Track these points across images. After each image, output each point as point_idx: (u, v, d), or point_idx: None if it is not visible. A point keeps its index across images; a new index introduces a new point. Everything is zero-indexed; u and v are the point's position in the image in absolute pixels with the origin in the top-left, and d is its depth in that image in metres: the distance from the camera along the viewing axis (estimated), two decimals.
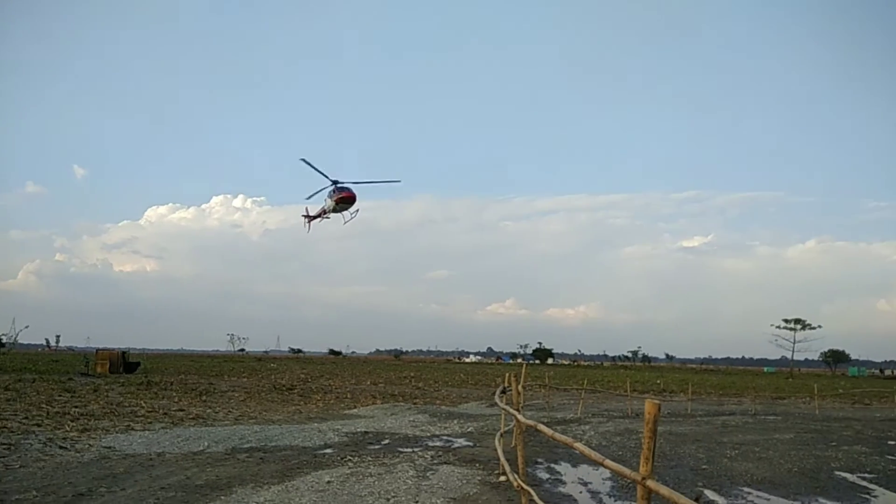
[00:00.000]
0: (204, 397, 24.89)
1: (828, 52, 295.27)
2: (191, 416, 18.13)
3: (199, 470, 9.90)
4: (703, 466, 11.78)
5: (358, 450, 12.44)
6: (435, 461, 11.28)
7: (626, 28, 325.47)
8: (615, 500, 8.82)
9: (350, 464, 10.77)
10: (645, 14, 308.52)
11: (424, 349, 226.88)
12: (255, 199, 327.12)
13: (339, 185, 33.66)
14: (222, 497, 8.08)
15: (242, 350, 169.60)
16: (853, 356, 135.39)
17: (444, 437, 15.01)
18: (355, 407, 23.72)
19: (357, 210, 34.29)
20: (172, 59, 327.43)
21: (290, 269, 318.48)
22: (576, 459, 11.79)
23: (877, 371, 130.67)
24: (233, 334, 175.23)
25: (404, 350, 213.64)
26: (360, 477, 9.57)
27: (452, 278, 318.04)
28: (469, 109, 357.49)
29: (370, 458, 11.36)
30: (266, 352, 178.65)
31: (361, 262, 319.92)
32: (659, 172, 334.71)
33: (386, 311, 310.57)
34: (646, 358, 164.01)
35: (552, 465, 11.34)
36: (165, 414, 18.34)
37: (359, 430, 15.87)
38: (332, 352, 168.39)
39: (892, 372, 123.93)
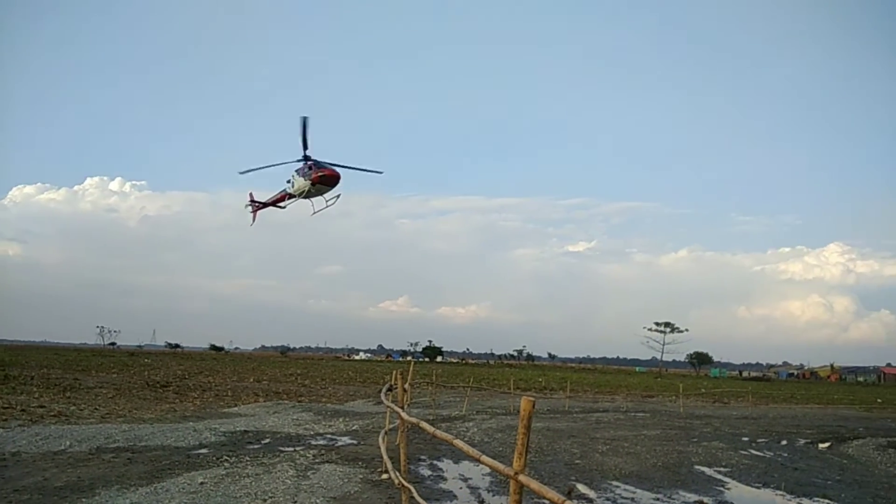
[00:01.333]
0: (68, 393, 23.10)
1: (701, 73, 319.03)
2: (52, 414, 16.77)
3: (58, 471, 9.14)
4: (577, 461, 12.33)
5: (236, 450, 11.96)
6: (317, 460, 11.06)
7: (525, 35, 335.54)
8: (493, 495, 9.01)
9: (226, 464, 10.33)
10: (546, 19, 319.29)
11: (313, 346, 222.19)
12: (134, 182, 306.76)
13: (317, 162, 27.85)
14: (83, 500, 7.51)
15: (113, 344, 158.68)
16: (715, 358, 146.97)
17: (328, 436, 14.76)
18: (236, 405, 22.85)
19: (338, 196, 28.66)
20: (46, 23, 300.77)
21: (171, 260, 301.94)
22: (458, 456, 11.96)
23: (736, 373, 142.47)
24: (103, 326, 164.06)
25: (292, 347, 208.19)
26: (237, 477, 9.20)
27: (345, 274, 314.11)
28: (369, 104, 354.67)
29: (248, 458, 10.95)
30: (140, 346, 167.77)
31: (249, 255, 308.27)
32: (550, 179, 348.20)
33: (274, 306, 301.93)
34: (530, 357, 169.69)
35: (435, 462, 11.43)
36: (23, 411, 16.86)
37: (238, 429, 15.27)
38: (213, 347, 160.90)
39: (749, 374, 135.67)
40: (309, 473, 9.75)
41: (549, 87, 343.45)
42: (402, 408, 8.38)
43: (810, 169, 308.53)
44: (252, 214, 32.36)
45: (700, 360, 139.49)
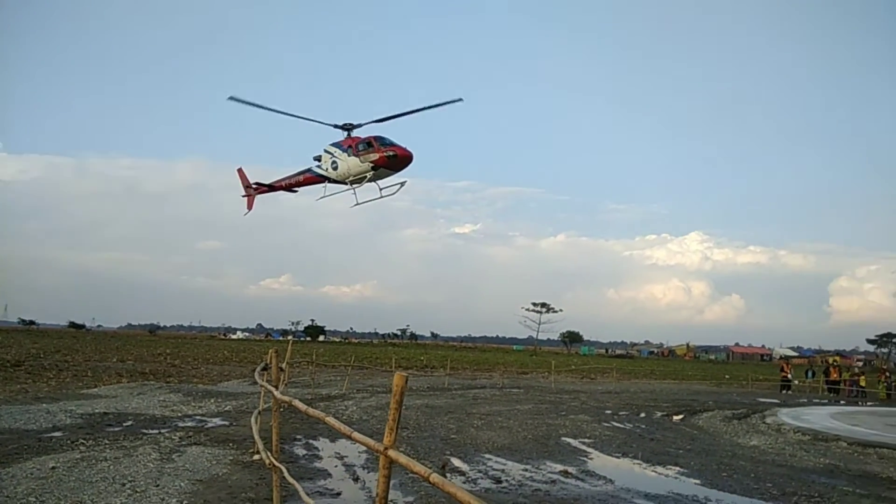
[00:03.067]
0: None
1: (585, 65, 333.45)
2: None
3: None
4: (453, 436, 12.61)
5: (94, 432, 11.14)
6: (183, 442, 10.54)
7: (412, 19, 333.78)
8: (368, 472, 9.03)
9: (82, 448, 9.60)
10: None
11: (186, 324, 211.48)
12: None
13: (380, 139, 21.04)
14: None
15: None
16: (585, 337, 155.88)
17: (198, 417, 14.10)
18: (96, 386, 21.26)
19: (403, 182, 22.06)
20: None
21: (27, 230, 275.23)
22: (336, 435, 11.83)
23: (603, 350, 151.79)
24: None
25: (162, 325, 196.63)
26: (93, 461, 8.58)
27: (225, 250, 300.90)
28: (250, 69, 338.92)
29: (107, 441, 10.24)
30: None
31: (118, 227, 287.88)
32: (440, 162, 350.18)
33: (142, 282, 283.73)
34: (413, 336, 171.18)
35: (311, 441, 11.27)
36: None
37: (97, 410, 14.23)
38: (72, 325, 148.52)
39: (615, 351, 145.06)
40: (174, 456, 9.28)
41: (447, 72, 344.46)
42: (277, 387, 8.14)
43: (678, 161, 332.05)
44: (248, 199, 25.76)
45: (571, 338, 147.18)
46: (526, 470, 9.72)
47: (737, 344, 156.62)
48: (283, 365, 10.10)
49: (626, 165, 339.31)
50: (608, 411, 19.26)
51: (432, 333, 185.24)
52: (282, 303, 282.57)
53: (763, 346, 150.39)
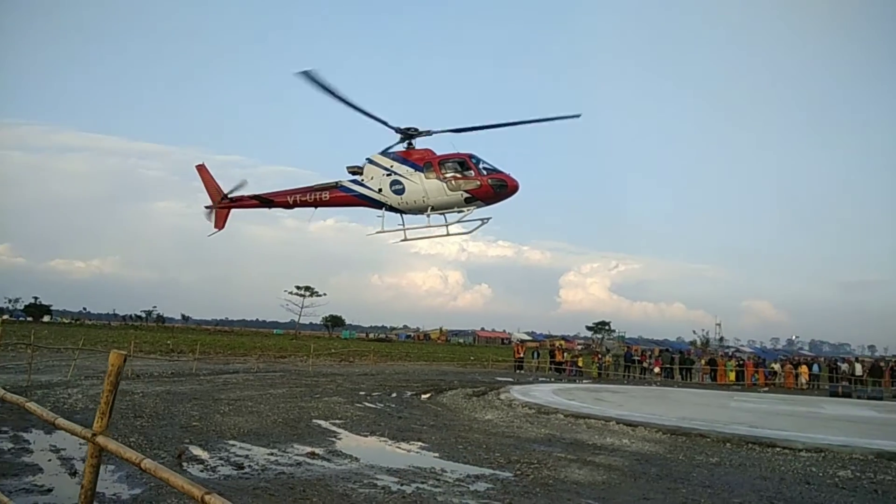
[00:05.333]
0: None
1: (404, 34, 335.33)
2: None
3: None
4: (195, 423, 11.84)
5: None
6: None
7: None
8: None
9: None
10: None
11: None
12: None
13: (474, 157, 15.88)
14: None
15: None
16: (348, 321, 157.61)
17: None
18: None
19: (488, 219, 16.70)
20: None
21: None
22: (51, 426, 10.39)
23: (364, 334, 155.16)
24: None
25: None
26: None
27: None
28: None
29: None
30: None
31: None
32: (206, 130, 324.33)
33: None
34: (160, 318, 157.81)
35: (20, 434, 9.77)
36: None
37: None
38: None
39: (375, 335, 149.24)
40: None
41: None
42: None
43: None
44: (216, 215, 19.72)
45: (334, 322, 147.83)
46: (272, 454, 9.48)
47: (483, 328, 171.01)
48: None
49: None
50: (362, 392, 19.67)
51: (183, 316, 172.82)
52: None
53: (504, 331, 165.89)
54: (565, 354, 43.46)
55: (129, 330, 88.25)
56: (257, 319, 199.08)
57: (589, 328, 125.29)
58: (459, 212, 16.31)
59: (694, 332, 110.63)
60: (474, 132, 16.24)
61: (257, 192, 19.31)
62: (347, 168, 17.74)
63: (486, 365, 45.71)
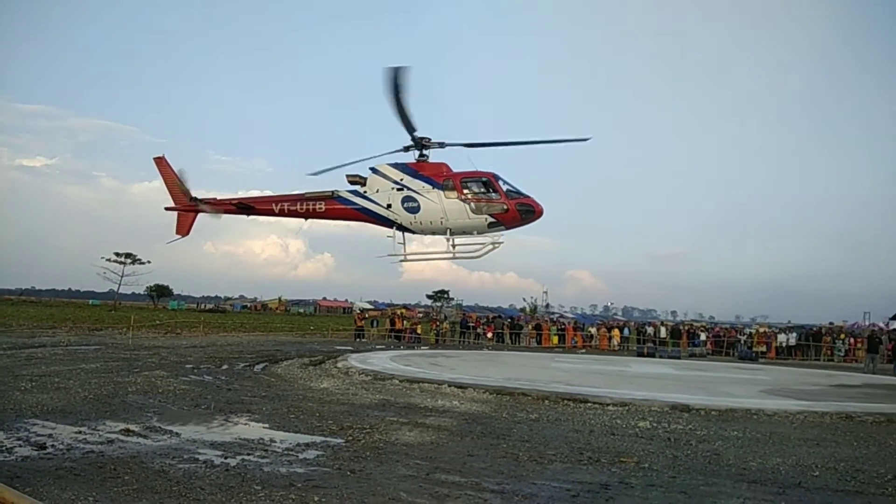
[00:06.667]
0: None
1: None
2: None
3: None
4: None
5: None
6: None
7: None
8: None
9: None
10: None
11: None
12: None
13: (494, 175, 14.65)
14: None
15: None
16: (176, 291, 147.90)
17: None
18: None
19: (500, 243, 15.50)
20: None
21: None
22: None
23: (195, 305, 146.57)
24: None
25: None
26: None
27: None
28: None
29: None
30: None
31: None
32: (7, 75, 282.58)
33: None
34: None
35: None
36: None
37: None
38: None
39: (207, 306, 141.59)
40: None
41: None
42: None
43: (282, 120, 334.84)
44: (179, 218, 18.01)
45: (160, 292, 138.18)
46: (79, 432, 8.73)
47: (324, 298, 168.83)
48: None
49: (231, 117, 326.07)
50: (189, 366, 18.65)
51: None
52: None
53: (346, 301, 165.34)
54: (405, 322, 44.24)
55: None
56: (70, 289, 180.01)
57: (429, 297, 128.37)
58: (480, 233, 15.48)
59: (524, 299, 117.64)
60: (485, 147, 15.46)
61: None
62: (347, 177, 16.41)
63: (326, 334, 45.25)
